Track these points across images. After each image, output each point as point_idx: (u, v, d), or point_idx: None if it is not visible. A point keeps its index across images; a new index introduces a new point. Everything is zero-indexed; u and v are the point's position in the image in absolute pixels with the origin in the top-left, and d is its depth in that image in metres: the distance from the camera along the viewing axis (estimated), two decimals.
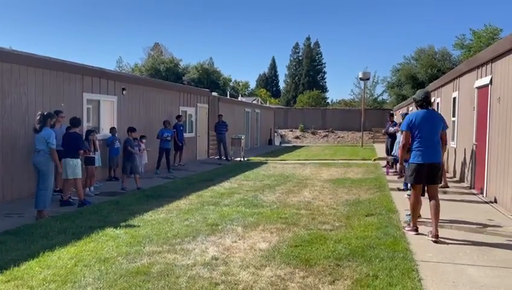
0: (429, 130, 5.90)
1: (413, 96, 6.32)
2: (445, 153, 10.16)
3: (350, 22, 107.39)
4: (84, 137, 9.29)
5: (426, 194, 6.06)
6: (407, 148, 6.11)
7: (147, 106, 13.59)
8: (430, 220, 5.94)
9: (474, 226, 6.42)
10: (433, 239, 5.64)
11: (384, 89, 47.56)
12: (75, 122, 8.21)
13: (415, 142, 5.96)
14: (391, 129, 13.75)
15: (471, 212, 7.46)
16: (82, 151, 8.17)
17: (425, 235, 5.91)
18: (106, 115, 11.58)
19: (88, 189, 9.18)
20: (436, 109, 10.12)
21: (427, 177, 5.91)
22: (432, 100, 14.31)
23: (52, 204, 7.98)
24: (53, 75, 9.48)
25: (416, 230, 6.08)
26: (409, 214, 6.61)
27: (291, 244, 5.48)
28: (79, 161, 8.03)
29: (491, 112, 8.59)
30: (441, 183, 7.05)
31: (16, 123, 8.46)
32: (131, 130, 10.44)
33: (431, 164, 5.86)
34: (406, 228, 6.20)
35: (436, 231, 5.69)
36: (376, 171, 13.52)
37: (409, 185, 7.09)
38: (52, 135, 7.02)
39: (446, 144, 6.32)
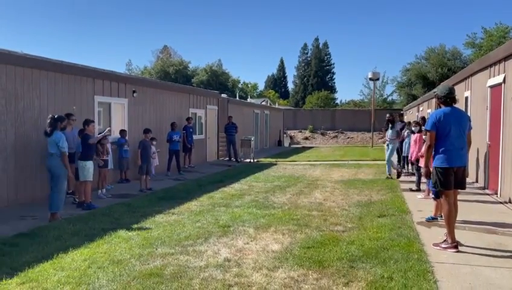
0: (457, 130, 5.32)
1: (436, 92, 5.76)
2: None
3: (359, 22, 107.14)
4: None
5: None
6: (432, 150, 5.44)
7: (156, 108, 13.65)
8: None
9: (490, 227, 6.33)
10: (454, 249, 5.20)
11: (394, 89, 47.36)
12: (86, 123, 8.32)
13: (441, 143, 5.34)
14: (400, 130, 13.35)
15: (486, 212, 7.36)
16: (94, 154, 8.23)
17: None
18: (117, 118, 11.65)
19: (100, 191, 9.23)
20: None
21: (455, 182, 5.36)
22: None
23: (65, 206, 8.06)
24: (65, 78, 9.56)
25: (456, 247, 5.20)
26: (435, 217, 6.51)
27: (303, 246, 5.45)
28: (89, 163, 8.06)
29: (505, 111, 8.47)
30: None
31: (29, 127, 8.54)
32: (146, 131, 10.50)
33: (460, 168, 5.35)
34: (442, 245, 5.31)
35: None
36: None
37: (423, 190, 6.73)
38: (62, 138, 7.05)
39: (470, 145, 5.70)
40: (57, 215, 7.04)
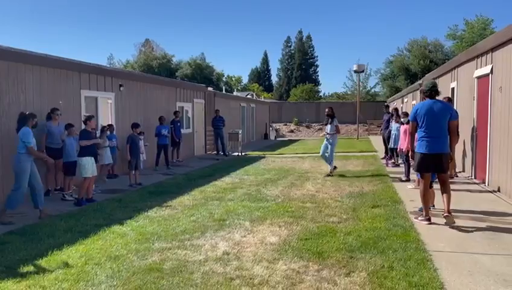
0: (434, 120, 5.96)
1: (421, 88, 6.50)
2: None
3: (340, 14, 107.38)
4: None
5: (438, 186, 6.17)
6: (413, 137, 6.26)
7: (144, 102, 13.46)
8: (442, 211, 6.03)
9: (481, 215, 6.44)
10: (445, 214, 5.89)
11: (377, 82, 47.71)
12: (84, 119, 8.28)
13: (420, 132, 6.06)
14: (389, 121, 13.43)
15: (476, 201, 7.48)
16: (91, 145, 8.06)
17: (437, 224, 5.93)
18: (104, 112, 11.45)
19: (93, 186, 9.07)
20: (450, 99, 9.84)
21: (434, 166, 6.05)
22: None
23: (55, 203, 7.92)
24: (50, 72, 9.33)
25: (428, 220, 6.06)
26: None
27: (301, 238, 5.46)
28: (84, 159, 7.88)
29: (492, 101, 8.61)
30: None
31: (15, 122, 8.26)
32: (135, 126, 10.33)
33: (435, 154, 5.95)
34: (419, 218, 6.18)
35: (448, 209, 5.95)
36: (375, 163, 13.55)
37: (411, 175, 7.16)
38: (26, 134, 6.70)
39: (458, 134, 6.49)
40: (4, 217, 6.65)
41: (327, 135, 11.22)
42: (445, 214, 5.91)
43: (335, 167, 11.34)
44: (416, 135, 6.19)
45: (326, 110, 11.49)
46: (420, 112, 6.04)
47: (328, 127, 11.23)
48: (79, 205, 7.76)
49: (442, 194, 6.06)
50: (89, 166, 7.91)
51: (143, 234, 5.75)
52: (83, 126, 8.34)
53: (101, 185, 9.85)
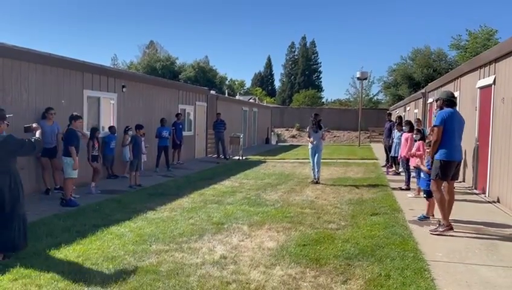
0: (461, 129, 6.15)
1: (439, 96, 6.44)
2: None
3: (345, 21, 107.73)
4: (89, 135, 9.31)
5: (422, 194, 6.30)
6: (438, 143, 6.04)
7: (146, 103, 13.49)
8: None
9: (481, 226, 6.41)
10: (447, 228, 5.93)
11: (380, 89, 47.73)
12: (70, 117, 8.03)
13: (448, 139, 5.95)
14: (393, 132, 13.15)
15: (475, 212, 7.46)
16: (73, 148, 7.77)
17: (436, 234, 5.92)
18: (106, 113, 11.47)
19: (92, 186, 9.08)
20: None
21: (454, 173, 6.14)
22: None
23: (54, 202, 7.92)
24: (53, 71, 9.36)
25: (451, 228, 5.95)
26: (427, 216, 6.76)
27: (299, 244, 5.44)
28: (71, 159, 7.76)
29: (494, 112, 8.60)
30: None
31: (17, 120, 8.28)
32: (139, 127, 10.33)
33: (459, 162, 6.16)
34: (439, 229, 5.98)
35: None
36: (376, 171, 13.52)
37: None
38: None
39: None
40: None
41: (313, 142, 11.05)
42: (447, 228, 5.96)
43: (318, 180, 10.84)
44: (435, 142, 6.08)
45: (312, 116, 11.24)
46: (451, 119, 5.99)
47: (314, 134, 11.04)
48: (70, 205, 7.61)
49: (450, 202, 6.09)
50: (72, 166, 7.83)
51: (141, 236, 5.74)
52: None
53: (100, 185, 9.85)
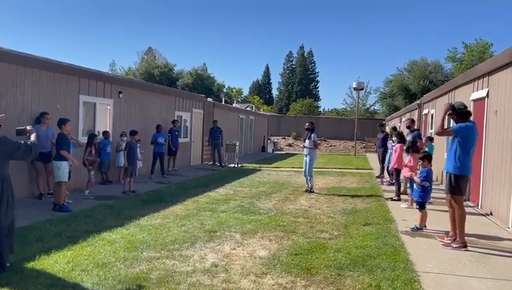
0: (476, 142, 5.99)
1: (454, 107, 5.98)
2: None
3: (343, 32, 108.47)
4: (87, 140, 9.35)
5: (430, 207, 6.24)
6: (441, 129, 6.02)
7: (142, 109, 13.50)
8: (435, 232, 6.20)
9: (472, 238, 6.42)
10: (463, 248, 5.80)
11: (376, 100, 47.95)
12: (59, 122, 8.00)
13: (466, 153, 5.76)
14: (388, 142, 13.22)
15: (468, 224, 7.37)
16: (64, 152, 7.76)
17: (427, 245, 5.93)
18: (101, 118, 11.47)
19: (87, 191, 9.06)
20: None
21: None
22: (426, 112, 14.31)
23: (46, 207, 7.88)
24: (50, 76, 9.38)
25: (466, 246, 5.82)
26: (420, 227, 6.79)
27: (291, 253, 5.44)
28: (63, 163, 7.76)
29: (487, 124, 8.66)
30: None
31: (12, 124, 8.29)
32: (133, 133, 10.34)
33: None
34: (453, 245, 5.87)
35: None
36: (371, 181, 13.54)
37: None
38: None
39: None
40: None
41: (305, 150, 11.10)
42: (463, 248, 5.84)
43: (311, 189, 10.84)
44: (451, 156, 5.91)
45: (307, 124, 11.22)
46: (473, 133, 5.81)
47: (307, 141, 11.03)
48: (63, 211, 7.57)
49: (452, 215, 6.11)
50: (66, 170, 7.84)
51: (132, 242, 5.72)
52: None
53: (94, 191, 9.83)
